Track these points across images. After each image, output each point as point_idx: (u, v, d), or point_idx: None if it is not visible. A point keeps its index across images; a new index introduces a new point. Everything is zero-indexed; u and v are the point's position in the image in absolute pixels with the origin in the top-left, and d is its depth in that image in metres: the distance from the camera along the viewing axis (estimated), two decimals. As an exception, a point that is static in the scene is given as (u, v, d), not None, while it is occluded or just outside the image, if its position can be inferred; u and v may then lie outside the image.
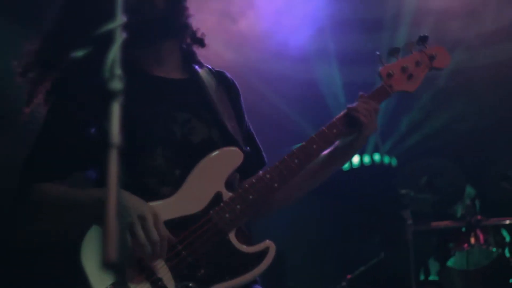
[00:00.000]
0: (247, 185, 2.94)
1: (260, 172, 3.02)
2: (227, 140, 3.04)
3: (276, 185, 2.95)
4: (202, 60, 3.24)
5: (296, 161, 2.99)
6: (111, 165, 1.52)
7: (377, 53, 3.26)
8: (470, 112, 9.35)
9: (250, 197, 2.90)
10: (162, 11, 2.95)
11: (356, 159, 9.59)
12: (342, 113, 3.12)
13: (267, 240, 2.92)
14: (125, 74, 2.70)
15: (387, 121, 9.60)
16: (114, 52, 1.61)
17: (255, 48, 8.63)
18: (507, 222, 7.50)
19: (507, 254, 7.22)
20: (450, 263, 7.19)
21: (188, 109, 3.03)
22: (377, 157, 9.56)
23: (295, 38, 9.05)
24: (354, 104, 3.11)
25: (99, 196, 2.62)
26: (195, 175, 2.89)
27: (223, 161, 2.95)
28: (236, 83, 3.33)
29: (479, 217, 7.21)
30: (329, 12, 9.24)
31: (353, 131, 3.12)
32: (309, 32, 9.12)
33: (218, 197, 2.88)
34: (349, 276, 7.64)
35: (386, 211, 8.20)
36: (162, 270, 2.73)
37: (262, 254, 2.89)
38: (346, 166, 9.57)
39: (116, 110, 1.56)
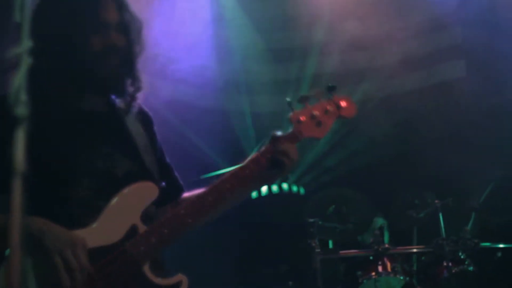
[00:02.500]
0: (162, 220, 2.97)
1: (177, 205, 3.09)
2: (145, 174, 3.05)
3: (190, 220, 2.98)
4: None
5: (210, 198, 3.00)
6: (15, 193, 1.46)
7: (288, 99, 3.33)
8: (373, 143, 9.51)
9: (165, 231, 2.93)
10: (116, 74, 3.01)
11: (264, 188, 9.60)
12: (265, 152, 3.20)
13: (180, 274, 2.96)
14: (51, 106, 2.65)
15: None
16: (20, 78, 1.56)
17: (157, 74, 8.58)
18: (414, 250, 7.61)
19: (415, 282, 7.33)
20: (358, 291, 7.25)
21: (110, 142, 3.03)
22: (285, 186, 9.58)
23: (203, 67, 9.06)
24: (280, 147, 3.19)
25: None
26: (112, 207, 2.89)
27: (139, 195, 2.96)
28: (150, 114, 3.34)
29: (386, 245, 7.30)
30: (241, 41, 9.31)
31: (273, 171, 3.23)
32: (219, 61, 9.15)
33: (133, 229, 2.89)
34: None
35: (294, 240, 8.21)
36: None
37: (175, 287, 2.93)
38: (254, 194, 9.56)
39: (21, 136, 1.51)
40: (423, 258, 7.68)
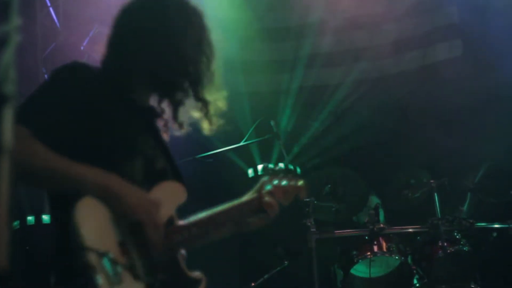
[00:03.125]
0: (195, 220, 3.18)
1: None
2: (177, 175, 3.22)
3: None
4: None
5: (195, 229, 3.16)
6: (2, 170, 1.44)
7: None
8: (370, 122, 9.51)
9: (195, 230, 3.13)
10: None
11: (260, 167, 9.59)
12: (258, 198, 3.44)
13: (199, 272, 3.16)
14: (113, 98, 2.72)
15: (291, 131, 9.67)
16: (9, 55, 1.53)
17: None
18: (410, 230, 7.63)
19: (410, 262, 7.35)
20: (353, 270, 7.27)
21: (153, 137, 3.19)
22: (281, 165, 9.56)
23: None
24: (268, 199, 3.42)
25: (105, 183, 2.70)
26: (157, 192, 2.97)
27: (175, 192, 3.10)
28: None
29: (382, 225, 7.31)
30: (236, 21, 9.27)
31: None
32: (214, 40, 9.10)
33: (171, 219, 3.04)
34: (253, 284, 7.61)
35: (290, 219, 8.21)
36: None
37: (198, 282, 3.12)
38: (251, 173, 9.55)
39: (8, 114, 1.49)
40: (418, 238, 7.68)
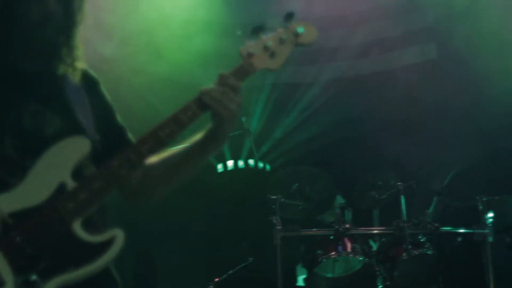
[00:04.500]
0: (93, 174, 2.83)
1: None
2: (78, 131, 2.91)
3: (122, 171, 2.83)
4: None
5: (146, 146, 2.89)
6: None
7: (239, 33, 3.17)
8: (340, 122, 9.53)
9: (96, 185, 2.78)
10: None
11: (230, 162, 9.60)
12: (197, 95, 2.94)
13: (115, 229, 2.78)
14: None
15: (262, 128, 9.67)
16: None
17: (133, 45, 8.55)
18: (375, 231, 7.65)
19: (374, 263, 7.37)
20: (317, 270, 7.27)
21: (41, 100, 2.91)
22: (251, 161, 9.58)
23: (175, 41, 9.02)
24: (208, 88, 2.94)
25: None
26: (38, 166, 2.76)
27: (68, 151, 2.83)
28: (96, 77, 3.24)
29: (347, 225, 7.32)
30: (209, 15, 9.26)
31: (213, 120, 2.99)
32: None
33: (62, 187, 2.75)
34: (216, 279, 7.61)
35: (256, 216, 8.23)
36: (0, 264, 2.60)
37: (108, 243, 2.76)
38: (220, 168, 9.56)
39: None
40: (383, 239, 7.71)
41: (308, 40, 3.19)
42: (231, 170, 9.57)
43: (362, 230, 7.55)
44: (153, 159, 3.07)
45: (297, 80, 9.95)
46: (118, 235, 2.77)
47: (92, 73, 3.19)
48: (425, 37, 9.67)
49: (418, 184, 7.67)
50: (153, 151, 2.89)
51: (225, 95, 2.93)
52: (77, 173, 2.84)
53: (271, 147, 9.84)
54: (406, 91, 9.38)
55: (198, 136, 3.06)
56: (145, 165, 3.02)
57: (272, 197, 7.31)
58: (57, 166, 2.79)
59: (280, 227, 7.19)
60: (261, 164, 9.76)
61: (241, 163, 9.70)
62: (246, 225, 8.91)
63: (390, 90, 9.45)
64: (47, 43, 2.94)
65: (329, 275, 7.29)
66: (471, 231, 7.48)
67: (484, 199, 7.47)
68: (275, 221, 7.21)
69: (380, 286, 7.25)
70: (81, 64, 3.08)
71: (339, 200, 8.06)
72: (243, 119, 7.73)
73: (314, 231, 7.61)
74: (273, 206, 7.29)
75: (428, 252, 7.30)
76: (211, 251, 9.20)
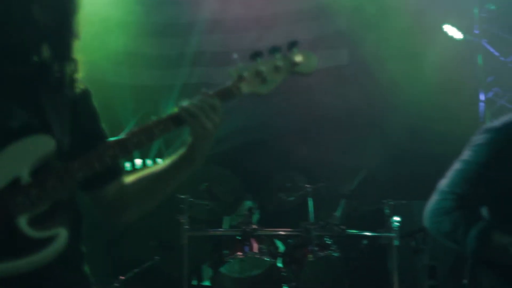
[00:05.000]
0: (49, 172, 2.79)
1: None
2: (44, 128, 2.86)
3: (80, 174, 2.79)
4: None
5: (110, 153, 2.84)
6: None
7: (235, 56, 3.08)
8: (250, 124, 9.55)
9: (50, 183, 2.75)
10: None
11: (139, 161, 9.50)
12: (175, 110, 2.89)
13: (60, 228, 2.77)
14: None
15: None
16: None
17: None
18: (282, 232, 7.68)
19: (280, 264, 7.39)
20: (223, 269, 7.25)
21: (10, 97, 2.89)
22: (160, 161, 9.51)
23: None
24: (187, 103, 2.88)
25: None
26: (10, 149, 2.77)
27: (31, 147, 2.81)
28: (91, 92, 3.18)
29: (254, 226, 7.33)
30: (124, 14, 9.17)
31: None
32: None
33: (16, 181, 2.74)
34: (122, 277, 7.51)
35: (164, 215, 8.16)
36: None
37: (49, 241, 2.75)
38: (128, 167, 9.46)
39: None
40: (290, 241, 7.74)
41: (305, 70, 3.09)
42: (139, 169, 9.48)
43: (268, 231, 7.57)
44: (129, 178, 3.05)
45: (208, 81, 9.93)
46: (61, 234, 2.76)
47: (84, 84, 3.13)
48: (337, 42, 9.78)
49: (326, 187, 7.74)
50: (116, 158, 2.85)
51: (203, 113, 2.87)
52: (40, 171, 2.81)
53: (181, 146, 9.79)
54: (317, 95, 9.46)
55: (175, 155, 3.01)
56: (122, 184, 3.03)
57: (180, 196, 7.27)
58: (16, 160, 2.78)
59: (188, 227, 7.16)
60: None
61: (149, 162, 9.62)
62: (154, 224, 8.83)
63: (301, 94, 9.51)
64: (24, 46, 2.92)
65: (235, 275, 7.27)
66: (377, 234, 7.58)
67: (391, 203, 7.59)
68: (182, 221, 7.18)
69: (286, 287, 7.27)
70: (78, 75, 3.03)
71: (247, 203, 8.06)
72: (154, 118, 7.66)
73: (221, 231, 7.60)
74: (181, 206, 7.25)
75: (334, 254, 7.36)
76: (117, 249, 9.09)
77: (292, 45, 3.03)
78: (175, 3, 9.81)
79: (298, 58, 3.03)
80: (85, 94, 3.16)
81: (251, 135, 9.56)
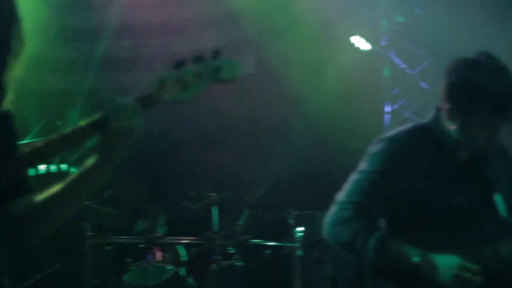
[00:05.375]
0: None
1: None
2: None
3: None
4: None
5: (25, 159, 2.75)
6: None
7: (157, 64, 3.07)
8: (156, 132, 9.50)
9: None
10: None
11: (42, 166, 9.35)
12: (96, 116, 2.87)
13: None
14: None
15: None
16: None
17: None
18: (185, 241, 7.66)
19: (183, 273, 7.36)
20: (125, 278, 7.18)
21: None
22: (64, 166, 9.36)
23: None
24: (107, 108, 2.86)
25: None
26: None
27: None
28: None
29: (158, 234, 7.29)
30: (32, 16, 9.02)
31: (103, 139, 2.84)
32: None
33: None
34: (24, 284, 7.39)
35: (67, 221, 8.03)
36: None
37: None
38: (32, 171, 9.29)
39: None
40: (193, 249, 7.72)
41: (228, 76, 3.08)
42: (42, 174, 9.32)
43: (172, 239, 7.54)
44: (40, 194, 2.94)
45: (114, 86, 9.85)
46: None
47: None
48: (245, 50, 9.80)
49: (231, 195, 7.76)
50: (31, 165, 2.79)
51: (124, 115, 2.82)
52: None
53: (85, 152, 9.66)
54: (222, 103, 9.47)
55: (86, 165, 2.91)
56: (31, 200, 2.92)
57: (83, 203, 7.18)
58: None
59: (91, 234, 7.08)
60: (73, 169, 9.57)
61: (53, 167, 9.47)
62: (57, 230, 8.68)
63: (206, 102, 9.48)
64: None
65: (138, 283, 7.21)
66: (281, 244, 7.63)
67: (295, 213, 7.65)
68: (86, 227, 7.09)
69: (189, 296, 7.25)
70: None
71: (153, 209, 8.01)
72: (59, 123, 7.55)
73: (124, 238, 7.53)
74: (84, 212, 7.15)
75: (237, 264, 7.37)
76: (20, 255, 8.90)
77: (216, 54, 3.03)
78: (84, 7, 9.71)
79: (221, 65, 3.04)
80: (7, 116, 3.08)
81: (155, 142, 9.48)
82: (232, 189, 7.95)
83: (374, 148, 3.63)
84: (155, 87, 2.94)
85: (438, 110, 3.66)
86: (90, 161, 2.91)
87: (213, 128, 9.44)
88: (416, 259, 3.40)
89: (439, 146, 3.61)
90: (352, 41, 9.25)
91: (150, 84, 2.95)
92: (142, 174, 8.49)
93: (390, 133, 3.74)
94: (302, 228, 7.68)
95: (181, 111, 9.41)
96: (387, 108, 9.64)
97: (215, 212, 7.58)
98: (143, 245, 7.33)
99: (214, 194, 7.62)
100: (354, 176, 3.63)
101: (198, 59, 3.03)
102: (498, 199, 3.62)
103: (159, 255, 7.33)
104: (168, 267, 7.21)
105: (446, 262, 3.39)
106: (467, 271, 3.38)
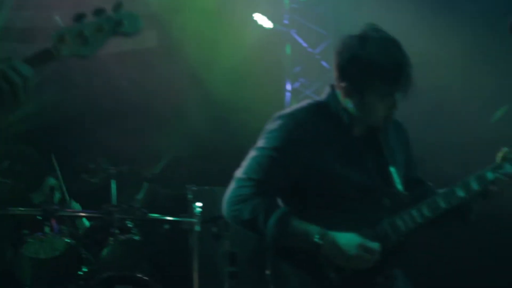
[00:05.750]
0: None
1: None
2: None
3: None
4: None
5: None
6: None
7: (57, 18, 2.96)
8: (52, 103, 9.36)
9: None
10: None
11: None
12: None
13: None
14: None
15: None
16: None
17: None
18: (83, 214, 7.61)
19: (79, 246, 7.31)
20: (22, 250, 7.09)
21: None
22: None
23: None
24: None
25: None
26: None
27: None
28: None
29: (56, 206, 7.22)
30: None
31: None
32: None
33: None
34: None
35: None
36: None
37: None
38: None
39: None
40: (91, 223, 7.68)
41: (129, 29, 3.02)
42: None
43: (69, 211, 7.49)
44: None
45: (15, 57, 9.63)
46: None
47: None
48: (147, 24, 9.70)
49: (130, 169, 7.73)
50: None
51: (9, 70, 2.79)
52: None
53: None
54: (121, 77, 9.40)
55: None
56: None
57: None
58: None
59: (-14, 205, 6.97)
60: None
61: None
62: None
63: (102, 74, 9.39)
64: None
65: (35, 255, 7.13)
66: (179, 219, 7.65)
67: (194, 188, 7.68)
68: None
69: (85, 269, 7.19)
70: None
71: (51, 181, 7.91)
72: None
73: (21, 210, 7.41)
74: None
75: (135, 238, 7.37)
76: None
77: (117, 6, 2.98)
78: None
79: (123, 18, 2.99)
80: None
81: (53, 115, 9.36)
82: (131, 163, 7.92)
83: (272, 125, 3.65)
84: (54, 41, 2.88)
85: (333, 87, 3.71)
86: None
87: (111, 102, 9.34)
88: (316, 237, 3.44)
89: (336, 123, 3.66)
90: (254, 19, 9.26)
91: (49, 38, 2.89)
92: (40, 146, 8.35)
93: (288, 110, 3.78)
94: (200, 204, 7.72)
95: (77, 83, 9.31)
96: (288, 86, 9.73)
97: (113, 186, 7.54)
98: (40, 217, 7.24)
99: (112, 167, 7.58)
100: (252, 153, 3.64)
101: (98, 12, 2.96)
102: (394, 172, 3.72)
103: (56, 227, 7.26)
104: (65, 240, 7.15)
105: (347, 241, 3.45)
106: (366, 250, 3.45)
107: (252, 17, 9.23)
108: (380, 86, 3.48)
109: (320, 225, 3.47)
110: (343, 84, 3.57)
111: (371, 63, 3.46)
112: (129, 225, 7.49)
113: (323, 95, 3.80)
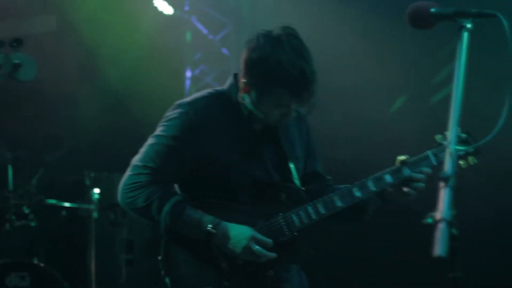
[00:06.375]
0: None
1: None
2: None
3: None
4: None
5: None
6: None
7: None
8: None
9: None
10: None
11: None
12: None
13: None
14: None
15: None
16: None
17: None
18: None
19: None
20: None
21: None
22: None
23: None
24: None
25: None
26: None
27: None
28: None
29: None
30: None
31: None
32: None
33: None
34: None
35: None
36: None
37: None
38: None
39: None
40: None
41: (24, 77, 2.91)
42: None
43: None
44: None
45: None
46: None
47: None
48: (46, 8, 9.53)
49: (27, 154, 7.61)
50: None
51: None
52: None
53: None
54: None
55: None
56: None
57: None
58: None
59: None
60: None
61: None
62: None
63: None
64: None
65: None
66: (77, 206, 7.59)
67: (92, 175, 7.63)
68: None
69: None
70: None
71: None
72: None
73: None
74: None
75: (31, 224, 7.27)
76: None
77: (17, 42, 2.89)
78: None
79: (21, 62, 2.89)
80: None
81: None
82: (28, 148, 7.79)
83: (172, 113, 3.63)
84: None
85: (236, 77, 3.72)
86: None
87: (5, 88, 9.14)
88: (209, 226, 3.46)
89: (236, 114, 3.65)
90: (155, 4, 9.17)
91: None
92: None
93: (188, 98, 3.75)
94: (98, 190, 7.68)
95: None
96: (188, 74, 9.70)
97: (10, 170, 7.42)
98: None
99: (8, 152, 7.45)
100: (150, 140, 3.61)
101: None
102: (292, 167, 3.76)
103: None
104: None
105: (239, 233, 3.46)
106: (258, 243, 3.50)
107: (152, 3, 9.12)
108: (280, 94, 3.47)
109: (216, 215, 3.49)
110: (244, 80, 3.56)
111: (278, 69, 3.43)
112: (26, 211, 7.37)
113: (225, 85, 3.79)
